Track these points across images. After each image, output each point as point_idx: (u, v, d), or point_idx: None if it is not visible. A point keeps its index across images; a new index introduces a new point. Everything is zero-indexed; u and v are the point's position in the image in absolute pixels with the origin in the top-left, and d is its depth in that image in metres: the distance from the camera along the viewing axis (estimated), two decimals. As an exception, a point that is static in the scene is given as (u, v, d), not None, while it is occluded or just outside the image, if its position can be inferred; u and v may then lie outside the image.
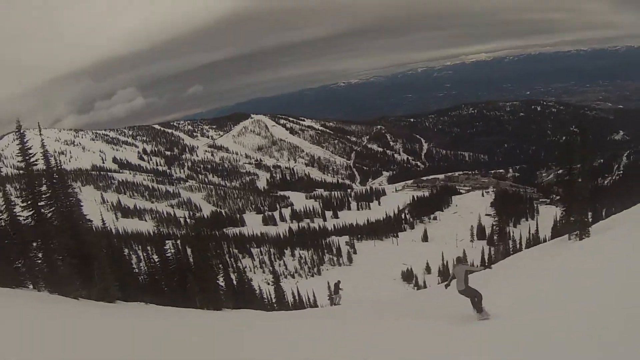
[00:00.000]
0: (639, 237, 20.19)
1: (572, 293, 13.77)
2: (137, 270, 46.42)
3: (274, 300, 65.12)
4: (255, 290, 64.57)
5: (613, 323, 9.50)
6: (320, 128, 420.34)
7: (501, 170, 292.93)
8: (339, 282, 38.25)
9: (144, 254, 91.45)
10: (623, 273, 13.53)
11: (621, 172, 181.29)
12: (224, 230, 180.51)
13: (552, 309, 12.60)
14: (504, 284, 20.28)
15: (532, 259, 29.63)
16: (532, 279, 20.01)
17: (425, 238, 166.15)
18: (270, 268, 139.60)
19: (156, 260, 43.64)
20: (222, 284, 50.82)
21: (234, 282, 57.81)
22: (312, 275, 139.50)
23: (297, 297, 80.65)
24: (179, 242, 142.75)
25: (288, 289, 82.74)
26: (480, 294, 14.46)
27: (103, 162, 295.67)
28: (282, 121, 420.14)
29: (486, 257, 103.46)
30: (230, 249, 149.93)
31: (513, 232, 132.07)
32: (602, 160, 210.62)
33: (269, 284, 73.03)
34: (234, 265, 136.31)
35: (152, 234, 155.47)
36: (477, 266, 17.17)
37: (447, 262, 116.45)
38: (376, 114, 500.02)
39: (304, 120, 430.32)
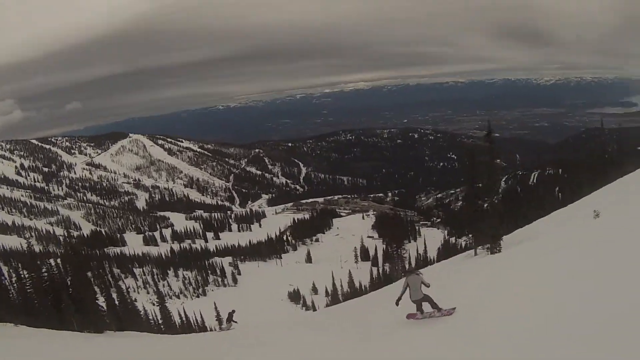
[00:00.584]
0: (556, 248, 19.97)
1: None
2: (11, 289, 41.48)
3: (160, 322, 64.63)
4: (139, 311, 63.22)
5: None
6: (199, 150, 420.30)
7: (380, 194, 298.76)
8: (233, 311, 37.52)
9: (22, 273, 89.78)
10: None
11: (500, 195, 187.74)
12: (105, 249, 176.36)
13: (500, 308, 13.27)
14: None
15: (452, 271, 29.88)
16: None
17: (309, 259, 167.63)
18: (155, 288, 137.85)
19: (26, 277, 39.74)
20: (104, 304, 48.77)
21: (116, 303, 55.42)
22: (198, 296, 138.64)
23: (184, 319, 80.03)
24: (59, 260, 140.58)
25: (174, 310, 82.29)
26: (431, 296, 15.12)
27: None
28: (160, 141, 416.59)
29: (374, 276, 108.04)
30: (112, 268, 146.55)
31: (397, 254, 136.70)
32: (479, 185, 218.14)
33: (154, 304, 70.19)
34: (116, 285, 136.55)
35: (28, 251, 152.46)
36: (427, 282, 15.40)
37: (338, 282, 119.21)
38: (254, 137, 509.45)
39: (182, 142, 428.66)
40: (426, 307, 15.34)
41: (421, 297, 15.03)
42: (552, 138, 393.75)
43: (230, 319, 36.03)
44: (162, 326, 61.98)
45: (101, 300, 47.89)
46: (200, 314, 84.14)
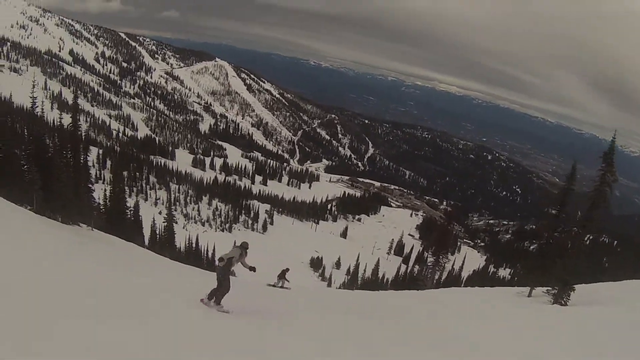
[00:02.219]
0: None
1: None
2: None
3: (158, 238, 61.32)
4: (140, 220, 59.16)
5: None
6: (277, 95, 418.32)
7: (435, 200, 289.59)
8: (287, 269, 35.85)
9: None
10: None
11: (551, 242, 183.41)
12: (152, 157, 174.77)
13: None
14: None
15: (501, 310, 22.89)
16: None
17: (344, 235, 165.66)
18: (184, 209, 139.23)
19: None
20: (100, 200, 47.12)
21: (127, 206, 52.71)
22: (222, 230, 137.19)
23: (193, 245, 77.49)
24: (101, 151, 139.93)
25: (193, 235, 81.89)
26: (229, 289, 13.69)
27: (59, 51, 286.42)
28: (243, 75, 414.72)
29: (400, 273, 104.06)
30: (150, 176, 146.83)
31: (437, 260, 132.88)
32: (533, 227, 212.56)
33: (164, 221, 61.21)
34: (147, 192, 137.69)
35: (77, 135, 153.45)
36: (247, 265, 14.46)
37: (363, 265, 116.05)
38: (334, 102, 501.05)
39: (264, 82, 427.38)
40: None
41: (222, 268, 13.74)
42: (618, 209, 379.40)
43: (283, 276, 34.50)
44: (159, 243, 58.63)
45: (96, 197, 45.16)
46: (214, 248, 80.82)
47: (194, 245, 77.51)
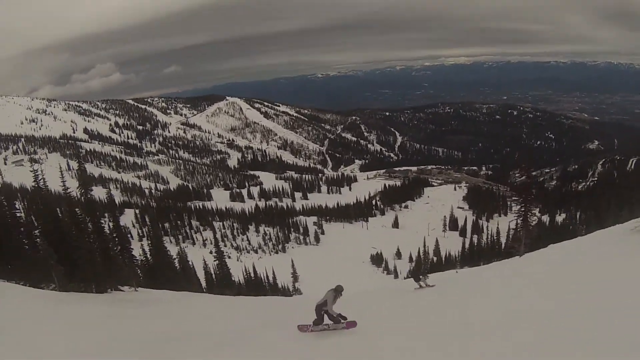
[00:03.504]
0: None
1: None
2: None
3: (213, 277, 59.93)
4: (192, 266, 59.22)
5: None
6: (295, 114, 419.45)
7: (474, 168, 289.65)
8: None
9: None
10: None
11: (595, 178, 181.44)
12: (189, 203, 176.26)
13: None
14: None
15: None
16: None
17: (396, 225, 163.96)
18: (233, 242, 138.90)
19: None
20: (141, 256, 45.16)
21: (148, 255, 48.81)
22: (277, 252, 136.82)
23: (251, 274, 76.70)
24: (137, 210, 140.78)
25: (249, 265, 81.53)
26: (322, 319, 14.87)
27: (74, 132, 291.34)
28: (257, 105, 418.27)
29: (466, 247, 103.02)
30: (191, 220, 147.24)
31: (486, 226, 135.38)
32: (576, 167, 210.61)
33: (214, 260, 59.33)
34: (193, 237, 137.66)
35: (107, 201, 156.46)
36: (333, 312, 14.67)
37: (426, 249, 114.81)
38: (352, 106, 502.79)
39: (279, 106, 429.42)
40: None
41: (320, 309, 14.79)
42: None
43: (419, 277, 30.82)
44: (214, 283, 57.58)
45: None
46: (273, 271, 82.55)
47: (252, 274, 76.81)
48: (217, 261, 57.66)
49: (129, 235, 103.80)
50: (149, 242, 50.81)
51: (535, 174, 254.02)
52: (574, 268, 18.65)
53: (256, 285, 72.26)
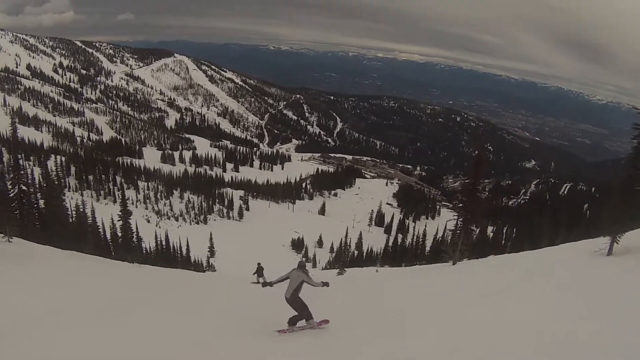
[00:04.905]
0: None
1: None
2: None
3: (110, 240, 54.33)
4: (89, 222, 53.88)
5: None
6: (240, 83, 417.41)
7: (409, 166, 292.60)
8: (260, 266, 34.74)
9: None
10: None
11: (527, 197, 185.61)
12: (120, 158, 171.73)
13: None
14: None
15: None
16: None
17: (322, 211, 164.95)
18: (155, 206, 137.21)
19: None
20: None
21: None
22: (197, 223, 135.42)
23: (163, 243, 74.01)
24: (64, 158, 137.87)
25: (169, 232, 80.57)
26: (308, 313, 12.97)
27: (17, 67, 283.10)
28: (203, 67, 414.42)
29: (390, 244, 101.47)
30: (117, 176, 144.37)
31: (413, 227, 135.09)
32: (510, 182, 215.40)
33: (119, 220, 50.58)
34: (115, 194, 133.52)
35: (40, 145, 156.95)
36: (317, 282, 13.27)
37: (348, 240, 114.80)
38: (298, 84, 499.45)
39: (225, 72, 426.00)
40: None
41: (293, 299, 12.79)
42: (590, 156, 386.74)
43: (261, 272, 34.02)
44: (116, 246, 52.10)
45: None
46: (187, 243, 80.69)
47: (163, 243, 74.30)
48: (122, 222, 50.22)
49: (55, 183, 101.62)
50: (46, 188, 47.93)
51: (467, 181, 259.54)
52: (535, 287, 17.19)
53: (166, 256, 70.09)
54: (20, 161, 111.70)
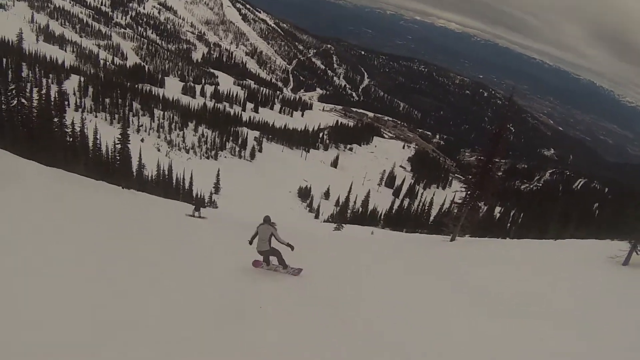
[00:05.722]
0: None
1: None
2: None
3: (110, 159, 53.66)
4: (89, 142, 52.69)
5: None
6: (273, 25, 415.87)
7: (429, 133, 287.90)
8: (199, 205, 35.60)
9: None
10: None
11: (540, 184, 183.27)
12: (141, 85, 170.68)
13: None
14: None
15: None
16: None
17: (335, 164, 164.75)
18: (167, 135, 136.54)
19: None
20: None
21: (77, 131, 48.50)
22: (208, 158, 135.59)
23: (165, 173, 74.74)
24: (83, 79, 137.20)
25: (178, 164, 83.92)
26: (283, 260, 14.56)
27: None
28: (238, 5, 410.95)
29: (395, 207, 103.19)
30: (133, 102, 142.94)
31: (422, 193, 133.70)
32: (525, 166, 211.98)
33: (117, 143, 52.04)
34: (130, 119, 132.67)
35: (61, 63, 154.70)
36: (282, 240, 14.26)
37: (353, 196, 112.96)
38: (331, 33, 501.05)
39: (259, 12, 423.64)
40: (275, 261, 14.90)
41: (267, 249, 14.24)
42: (610, 156, 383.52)
43: (198, 208, 34.81)
44: (111, 165, 51.96)
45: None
46: (191, 176, 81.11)
47: (165, 173, 74.30)
48: (120, 145, 50.76)
49: (66, 102, 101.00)
50: (47, 103, 44.82)
51: (483, 158, 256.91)
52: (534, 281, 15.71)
53: (167, 186, 69.67)
54: (40, 77, 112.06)
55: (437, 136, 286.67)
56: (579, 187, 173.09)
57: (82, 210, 20.57)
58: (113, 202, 28.03)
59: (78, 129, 50.29)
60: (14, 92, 37.58)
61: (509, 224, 79.45)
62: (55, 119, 43.66)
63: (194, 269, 13.91)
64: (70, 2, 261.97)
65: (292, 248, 14.12)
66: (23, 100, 38.37)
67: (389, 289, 14.41)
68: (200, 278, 12.74)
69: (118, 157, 51.67)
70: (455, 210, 32.58)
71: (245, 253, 14.97)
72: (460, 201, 29.16)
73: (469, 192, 27.73)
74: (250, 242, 14.56)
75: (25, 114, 39.01)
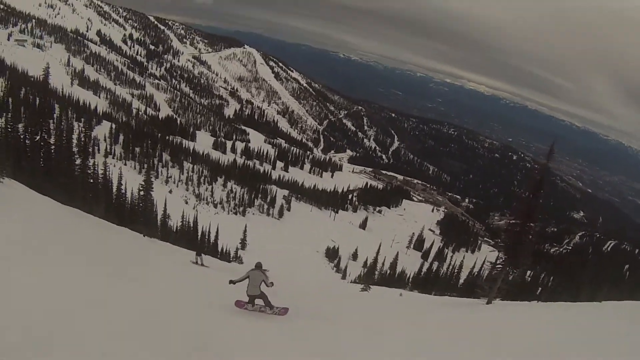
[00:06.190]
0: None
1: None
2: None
3: (129, 207, 52.12)
4: (113, 187, 52.12)
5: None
6: (305, 85, 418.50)
7: (458, 197, 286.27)
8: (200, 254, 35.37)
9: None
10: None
11: (570, 247, 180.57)
12: (172, 137, 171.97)
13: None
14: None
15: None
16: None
17: (363, 226, 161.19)
18: (196, 189, 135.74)
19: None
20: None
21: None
22: (235, 214, 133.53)
23: (190, 224, 72.85)
24: (115, 126, 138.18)
25: (205, 218, 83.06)
26: (268, 301, 14.86)
27: (87, 31, 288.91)
28: (271, 63, 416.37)
29: (424, 270, 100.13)
30: (163, 153, 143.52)
31: (451, 257, 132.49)
32: (555, 229, 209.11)
33: (140, 190, 48.53)
34: (158, 170, 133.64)
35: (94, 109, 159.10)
36: (269, 282, 14.88)
37: (381, 258, 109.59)
38: (362, 95, 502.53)
39: (292, 71, 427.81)
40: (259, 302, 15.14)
41: (257, 294, 14.64)
42: (639, 217, 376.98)
43: (199, 254, 35.05)
44: (129, 214, 48.98)
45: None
46: (217, 230, 79.48)
47: (191, 225, 72.61)
48: (143, 192, 47.44)
49: (96, 147, 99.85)
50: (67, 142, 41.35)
51: (514, 222, 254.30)
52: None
53: (192, 238, 66.67)
54: (71, 120, 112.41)
55: (466, 200, 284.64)
56: (608, 249, 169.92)
57: (80, 244, 20.38)
58: (118, 243, 27.23)
59: (101, 171, 49.67)
60: (37, 127, 37.03)
61: (539, 288, 77.01)
62: (78, 160, 42.19)
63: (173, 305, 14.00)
64: (106, 49, 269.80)
65: (272, 285, 14.68)
66: (45, 136, 37.49)
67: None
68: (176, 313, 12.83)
69: (141, 205, 49.15)
70: (490, 271, 30.85)
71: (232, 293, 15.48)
72: (493, 262, 27.31)
73: (503, 254, 25.79)
74: (232, 282, 15.00)
75: (46, 150, 38.06)
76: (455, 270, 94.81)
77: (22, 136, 37.98)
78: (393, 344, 13.08)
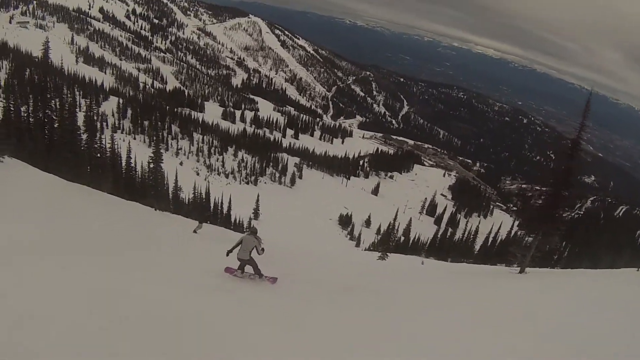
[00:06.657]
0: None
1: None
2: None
3: (139, 179, 52.97)
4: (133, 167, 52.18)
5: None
6: (312, 52, 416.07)
7: (469, 161, 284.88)
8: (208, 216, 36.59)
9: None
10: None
11: (581, 212, 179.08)
12: (180, 109, 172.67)
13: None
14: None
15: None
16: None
17: (375, 191, 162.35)
18: (207, 160, 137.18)
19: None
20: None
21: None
22: (247, 183, 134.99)
23: (198, 195, 73.60)
24: (122, 100, 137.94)
25: (217, 189, 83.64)
26: (259, 270, 14.98)
27: (89, 9, 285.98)
28: (277, 31, 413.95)
29: (439, 235, 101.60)
30: (172, 125, 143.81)
31: (463, 222, 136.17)
32: (567, 193, 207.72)
33: (149, 162, 46.03)
34: (168, 142, 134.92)
35: (100, 85, 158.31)
36: (261, 251, 14.91)
37: (396, 224, 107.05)
38: (370, 61, 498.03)
39: (298, 39, 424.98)
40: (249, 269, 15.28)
41: (247, 258, 14.79)
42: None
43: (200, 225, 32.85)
44: (140, 187, 49.42)
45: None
46: (230, 200, 78.99)
47: (203, 195, 73.57)
48: (153, 164, 45.15)
49: (104, 123, 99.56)
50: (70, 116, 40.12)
51: (525, 186, 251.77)
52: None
53: (203, 210, 66.47)
54: (77, 98, 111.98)
55: (478, 164, 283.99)
56: (620, 214, 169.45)
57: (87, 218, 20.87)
58: (122, 218, 26.75)
59: (109, 145, 49.14)
60: (39, 104, 36.50)
61: (556, 255, 75.97)
62: (85, 135, 42.15)
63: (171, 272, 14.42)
64: (110, 26, 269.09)
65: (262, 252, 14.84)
66: (48, 112, 36.99)
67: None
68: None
69: (151, 178, 47.22)
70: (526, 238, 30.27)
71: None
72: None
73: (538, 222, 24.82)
74: (228, 254, 14.77)
75: (50, 127, 37.38)
76: (471, 236, 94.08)
77: (24, 114, 37.29)
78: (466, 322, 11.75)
